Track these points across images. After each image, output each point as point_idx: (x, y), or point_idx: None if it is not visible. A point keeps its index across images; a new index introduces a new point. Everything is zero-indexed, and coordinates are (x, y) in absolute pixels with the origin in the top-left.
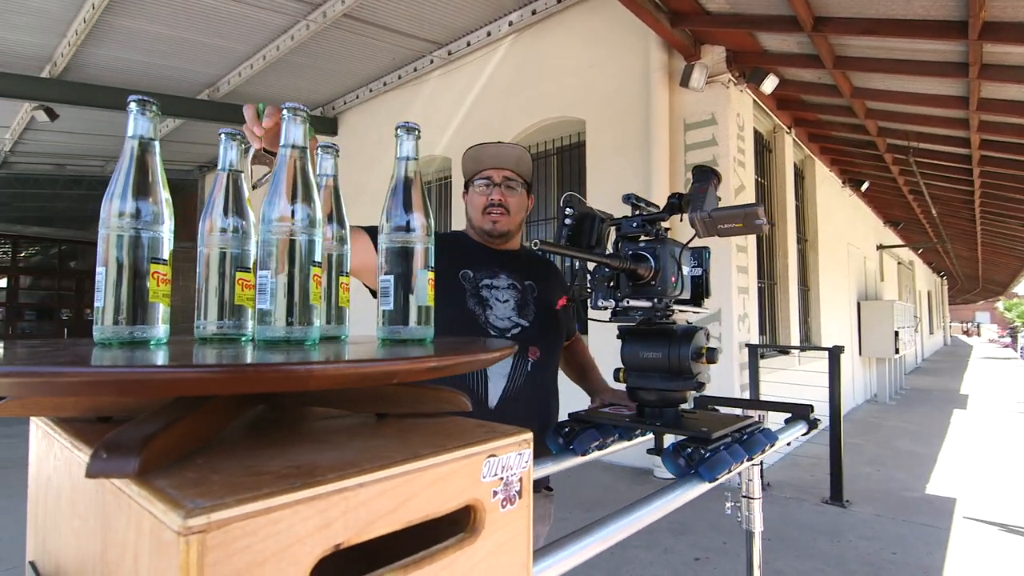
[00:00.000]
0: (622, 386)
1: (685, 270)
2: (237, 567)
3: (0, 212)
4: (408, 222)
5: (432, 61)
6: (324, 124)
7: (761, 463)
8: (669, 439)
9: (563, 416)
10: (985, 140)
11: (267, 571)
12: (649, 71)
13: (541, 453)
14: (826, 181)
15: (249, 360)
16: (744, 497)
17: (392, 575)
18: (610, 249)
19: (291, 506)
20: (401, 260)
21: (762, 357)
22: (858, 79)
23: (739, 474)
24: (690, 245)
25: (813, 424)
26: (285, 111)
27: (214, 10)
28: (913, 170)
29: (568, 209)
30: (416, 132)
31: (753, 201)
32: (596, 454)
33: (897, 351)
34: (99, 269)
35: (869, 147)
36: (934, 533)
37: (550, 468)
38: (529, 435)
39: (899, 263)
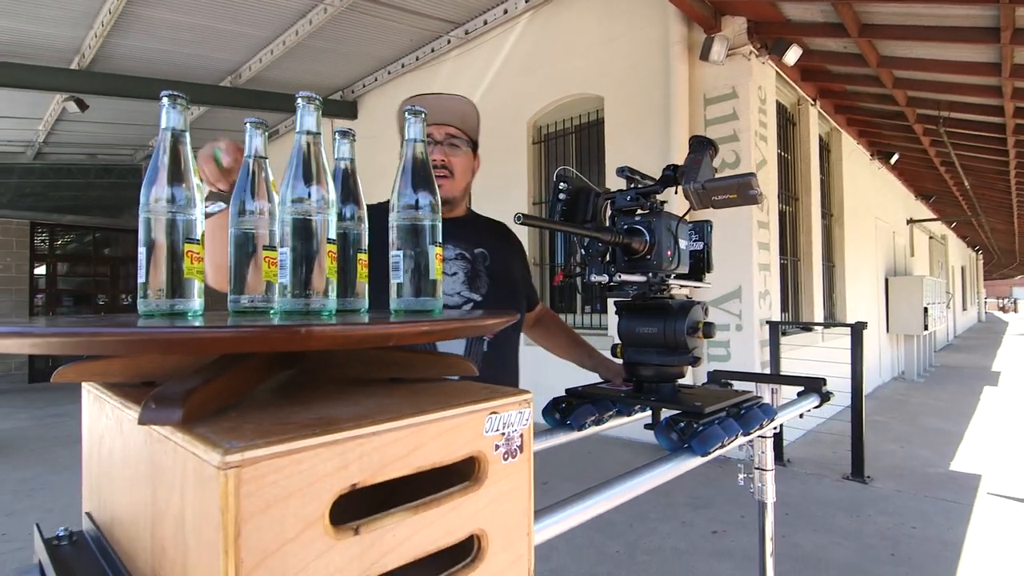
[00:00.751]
0: (620, 361)
1: (683, 244)
2: (267, 498)
3: (37, 202)
4: (416, 200)
5: (449, 41)
6: (344, 108)
7: (779, 434)
8: (667, 415)
9: (558, 391)
10: (1020, 108)
11: (292, 503)
12: (668, 45)
13: None
14: (853, 154)
15: (245, 323)
16: (757, 469)
17: (404, 514)
18: (607, 224)
19: (313, 449)
20: (411, 236)
21: (784, 334)
22: (885, 47)
23: (751, 445)
24: (692, 218)
25: (825, 397)
26: (300, 99)
27: None
28: (944, 141)
29: (562, 184)
30: (423, 115)
31: (748, 171)
32: (593, 429)
33: (926, 327)
34: (140, 249)
35: (898, 118)
36: (956, 508)
37: (546, 443)
38: (530, 395)
39: (931, 237)
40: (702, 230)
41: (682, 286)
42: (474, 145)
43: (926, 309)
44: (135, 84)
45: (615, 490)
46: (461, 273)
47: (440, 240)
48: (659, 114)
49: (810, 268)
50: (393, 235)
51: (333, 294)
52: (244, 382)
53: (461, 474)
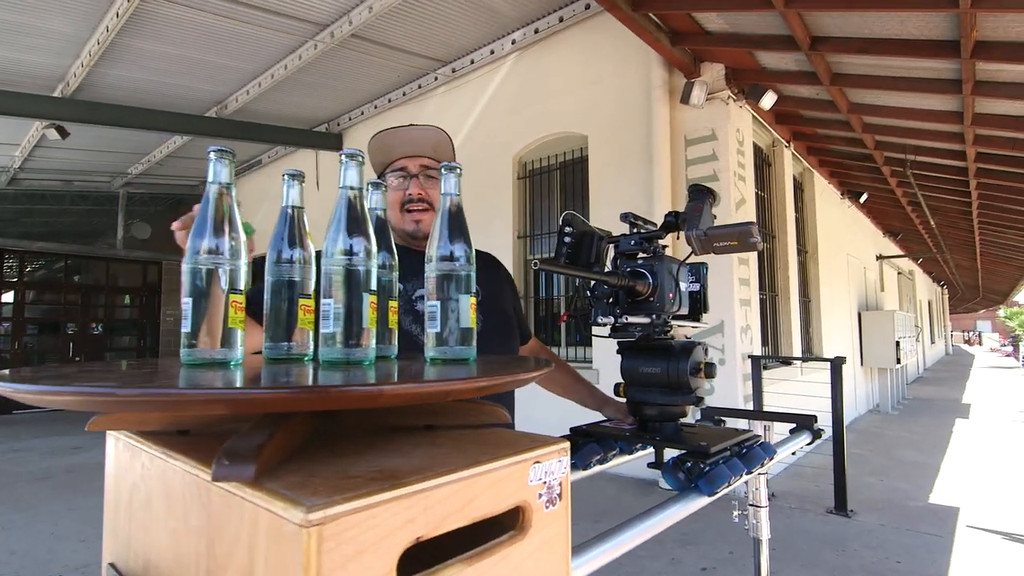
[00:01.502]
0: (622, 400)
1: (683, 286)
2: (345, 554)
3: (7, 228)
4: (452, 252)
5: (436, 78)
6: (329, 140)
7: (766, 472)
8: (670, 453)
9: (563, 430)
10: (981, 153)
11: (367, 559)
12: (650, 88)
13: None
14: (825, 193)
15: (323, 381)
16: (751, 506)
17: (461, 565)
18: (609, 266)
19: (385, 503)
20: (446, 287)
21: (765, 368)
22: (855, 95)
23: (746, 483)
24: (687, 261)
25: (817, 434)
26: (344, 156)
27: (226, 31)
28: (911, 182)
29: (567, 228)
30: (458, 171)
31: (749, 220)
32: (597, 468)
33: (898, 361)
34: (185, 299)
35: (867, 160)
36: (937, 542)
37: None
38: (567, 444)
39: (899, 273)
40: (698, 272)
41: (680, 326)
42: None
43: (898, 343)
44: (119, 113)
45: (631, 532)
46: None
47: (473, 290)
48: (642, 154)
49: (788, 303)
50: (430, 285)
51: (373, 343)
52: (298, 435)
53: (495, 522)
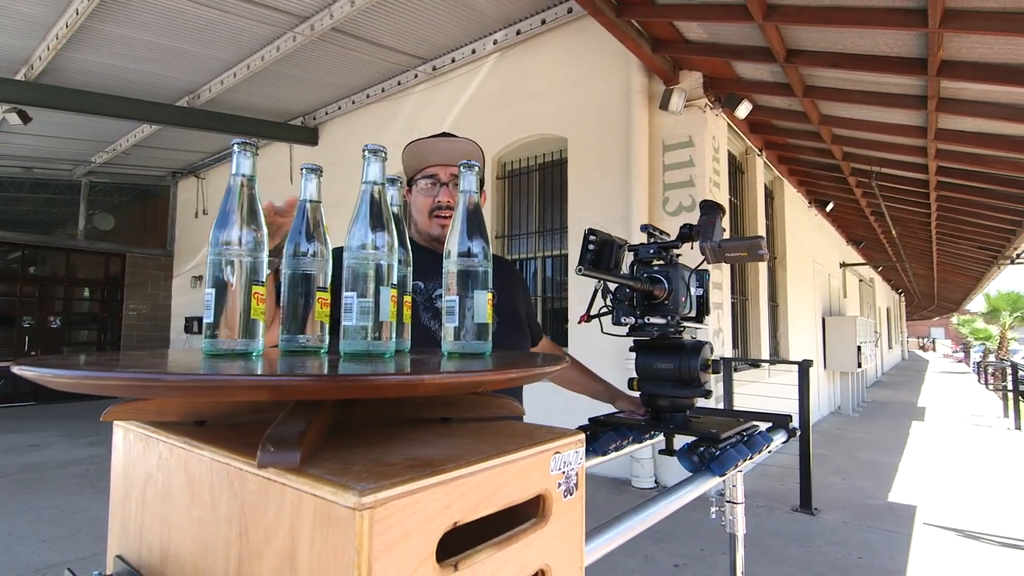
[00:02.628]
0: (635, 393)
1: (692, 291)
2: (393, 537)
3: None
4: (469, 248)
5: (416, 76)
6: (304, 134)
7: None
8: (679, 440)
9: (579, 420)
10: (941, 167)
11: (411, 542)
12: (630, 93)
13: None
14: (794, 201)
15: (354, 372)
16: (728, 502)
17: (491, 550)
18: (626, 271)
19: (426, 489)
20: (466, 282)
21: (735, 370)
22: (825, 107)
23: (723, 480)
24: (693, 269)
25: (792, 433)
26: (367, 151)
27: (202, 19)
28: (875, 193)
29: (592, 236)
30: (476, 168)
31: (759, 234)
32: (614, 454)
33: (859, 365)
34: (208, 290)
35: (834, 170)
36: (897, 539)
37: None
38: (583, 436)
39: (860, 280)
40: (702, 278)
41: (686, 327)
42: (480, 183)
43: (859, 347)
44: (85, 99)
45: (652, 510)
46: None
47: (490, 286)
48: (620, 158)
49: (757, 307)
50: (448, 280)
51: (394, 336)
52: (326, 425)
53: (513, 511)
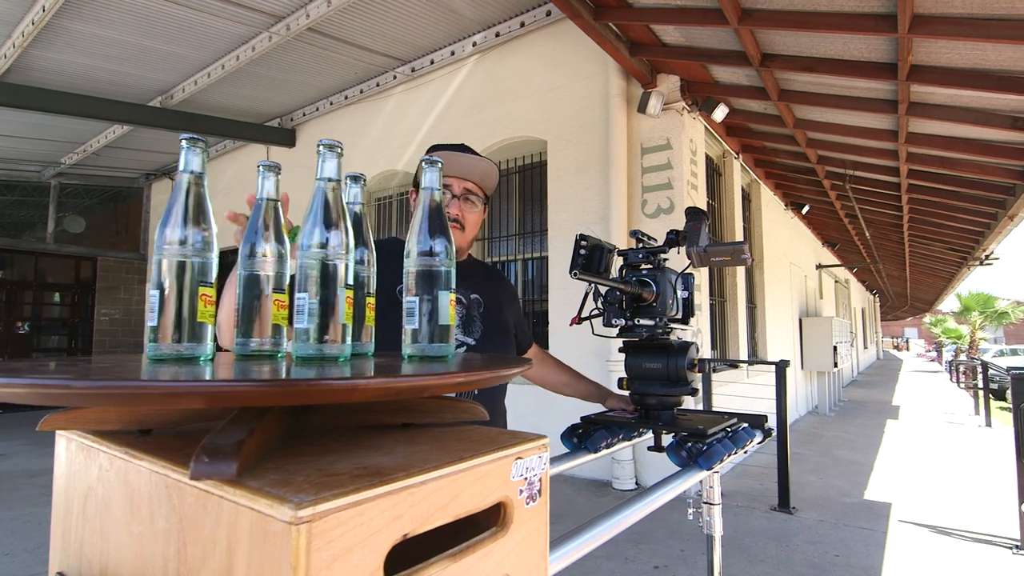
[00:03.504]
0: (625, 392)
1: (679, 293)
2: (334, 552)
3: None
4: (431, 247)
5: (395, 77)
6: (282, 135)
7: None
8: (668, 438)
9: (573, 421)
10: (912, 170)
11: (355, 557)
12: (608, 96)
13: None
14: (770, 204)
15: (296, 376)
16: (705, 503)
17: (446, 562)
18: (615, 274)
19: (372, 500)
20: (426, 282)
21: (713, 371)
22: (800, 111)
23: (700, 482)
24: (679, 273)
25: (768, 433)
26: (322, 147)
27: (172, 17)
28: (849, 195)
29: (584, 242)
30: (439, 165)
31: (741, 240)
32: (604, 452)
33: (836, 365)
34: (152, 291)
35: (809, 173)
36: (873, 536)
37: (566, 464)
38: (547, 440)
39: (836, 281)
40: (687, 281)
41: (673, 328)
42: (486, 199)
43: (835, 347)
44: (53, 98)
45: (634, 508)
46: (456, 317)
47: (453, 286)
48: (599, 160)
49: (735, 309)
50: (409, 280)
51: (349, 339)
52: (273, 433)
53: (474, 519)
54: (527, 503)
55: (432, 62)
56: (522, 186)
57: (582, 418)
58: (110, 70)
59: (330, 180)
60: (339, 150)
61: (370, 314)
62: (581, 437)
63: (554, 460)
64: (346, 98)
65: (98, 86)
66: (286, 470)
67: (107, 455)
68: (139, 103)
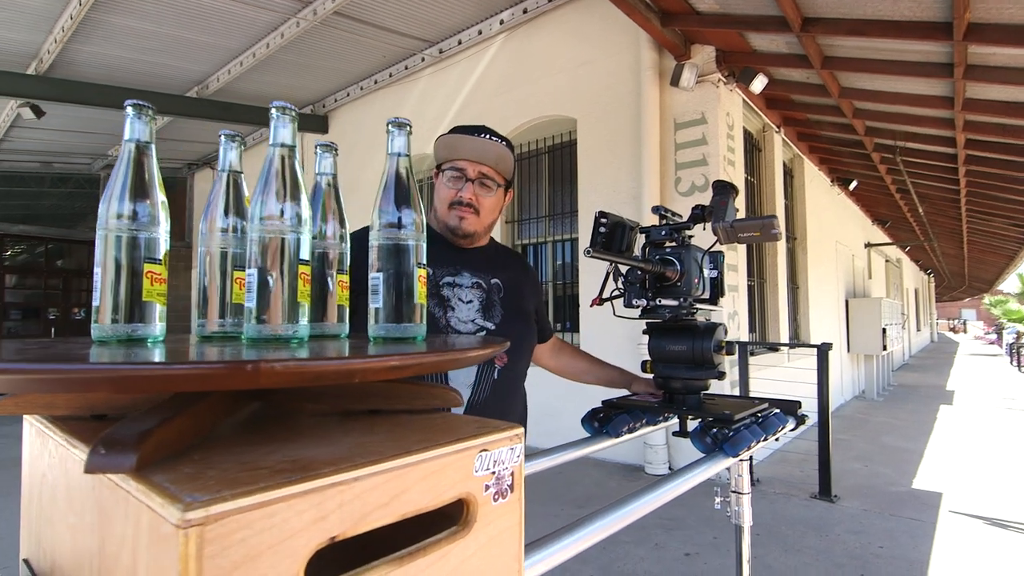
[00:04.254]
0: (650, 376)
1: (706, 272)
2: (234, 559)
3: None
4: (400, 219)
5: (423, 59)
6: (314, 122)
7: (751, 458)
8: (693, 422)
9: (586, 406)
10: (970, 140)
11: (263, 563)
12: (640, 70)
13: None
14: (815, 180)
15: (197, 359)
16: (734, 492)
17: (387, 567)
18: (638, 253)
19: (287, 499)
20: (392, 257)
21: (752, 354)
22: (846, 79)
23: (728, 469)
24: (706, 251)
25: (801, 420)
26: (274, 109)
27: (203, 7)
28: (900, 169)
29: (603, 219)
30: (408, 128)
31: (771, 214)
32: (627, 437)
33: (884, 348)
34: (96, 269)
35: (857, 146)
36: (920, 527)
37: (586, 449)
38: (520, 430)
39: (887, 261)
40: (716, 260)
41: (700, 309)
42: (507, 184)
43: (884, 330)
44: (95, 91)
45: (660, 491)
46: (476, 301)
47: (424, 262)
48: (630, 137)
49: (776, 290)
50: (373, 256)
51: (305, 320)
52: (206, 419)
53: (448, 514)
54: (495, 499)
55: (460, 42)
56: (551, 166)
57: (603, 402)
58: (147, 62)
59: (283, 145)
60: (293, 114)
61: (343, 293)
62: (602, 421)
63: (573, 444)
64: (376, 83)
65: (137, 78)
66: (208, 463)
67: (55, 441)
68: (176, 94)
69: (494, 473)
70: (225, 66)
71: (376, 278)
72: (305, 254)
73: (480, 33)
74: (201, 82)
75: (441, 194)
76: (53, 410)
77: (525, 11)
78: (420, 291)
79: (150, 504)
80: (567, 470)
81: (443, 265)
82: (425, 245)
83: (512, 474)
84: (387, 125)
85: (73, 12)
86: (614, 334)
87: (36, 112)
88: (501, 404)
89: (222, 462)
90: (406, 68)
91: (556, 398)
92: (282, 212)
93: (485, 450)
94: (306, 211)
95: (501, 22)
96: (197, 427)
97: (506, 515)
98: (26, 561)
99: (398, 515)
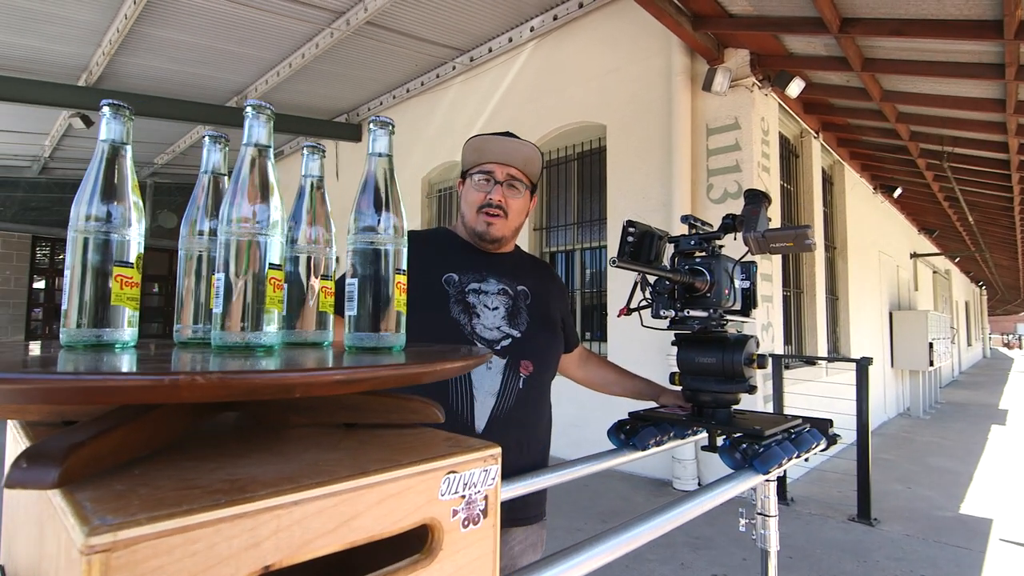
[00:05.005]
0: (678, 388)
1: (736, 283)
2: None
3: (40, 216)
4: (378, 222)
5: (454, 68)
6: (348, 130)
7: (784, 476)
8: (722, 437)
9: (612, 417)
10: None
11: None
12: (671, 75)
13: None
14: (856, 187)
15: (136, 370)
16: (759, 515)
17: None
18: (666, 263)
19: (212, 524)
20: (369, 262)
21: (787, 368)
22: (888, 82)
23: (754, 490)
24: (737, 261)
25: (832, 440)
26: (249, 108)
27: (241, 19)
28: (948, 176)
29: (631, 228)
30: (390, 127)
31: (806, 224)
32: (654, 450)
33: (931, 363)
34: (65, 272)
35: (901, 152)
36: (968, 556)
37: (612, 461)
38: (497, 450)
39: (934, 272)
40: (748, 270)
41: (730, 321)
42: (533, 187)
43: (931, 344)
44: (141, 102)
45: (685, 508)
46: (502, 308)
47: (404, 267)
48: (661, 143)
49: (813, 301)
50: (349, 260)
51: (274, 327)
52: (156, 432)
53: (419, 536)
54: (465, 525)
55: (490, 50)
56: (580, 174)
57: (630, 413)
58: (189, 73)
59: (256, 145)
60: (268, 112)
61: (324, 300)
62: (628, 433)
63: (597, 457)
64: (408, 91)
65: (180, 89)
66: (146, 479)
67: (22, 447)
68: (217, 104)
69: (464, 497)
70: (263, 76)
71: (352, 284)
72: (275, 258)
73: (510, 41)
74: (240, 92)
75: (469, 198)
76: (25, 415)
77: (555, 18)
78: (399, 298)
79: (66, 524)
80: (592, 483)
81: (469, 271)
82: (405, 251)
83: (486, 498)
84: (368, 124)
85: (120, 26)
86: (643, 344)
87: (86, 122)
88: (526, 414)
89: (161, 479)
90: (437, 76)
91: (581, 408)
92: (251, 214)
93: (453, 471)
94: (276, 213)
95: (531, 29)
96: (146, 439)
97: (477, 543)
98: (2, 567)
99: (346, 543)
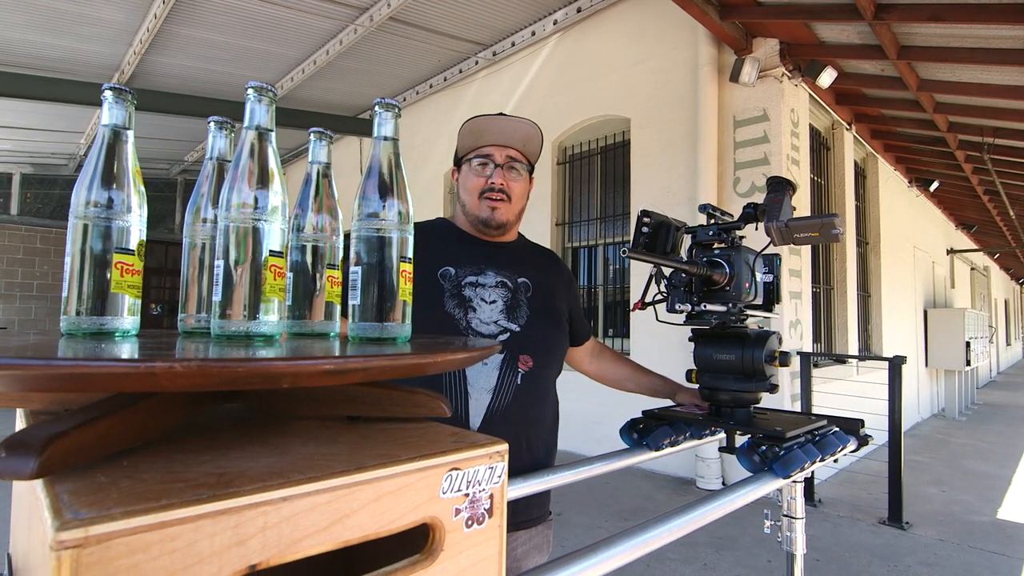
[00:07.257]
0: (695, 386)
1: (758, 276)
2: None
3: None
4: (383, 208)
5: (477, 62)
6: (371, 126)
7: (812, 477)
8: (741, 438)
9: (625, 416)
10: None
11: None
12: (697, 66)
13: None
14: (890, 180)
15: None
16: (786, 516)
17: None
18: (684, 255)
19: (193, 520)
20: (373, 250)
21: (816, 366)
22: (925, 70)
23: (780, 491)
24: (758, 253)
25: (863, 440)
26: (251, 90)
27: (267, 17)
28: (988, 168)
29: (646, 218)
30: (396, 110)
31: (832, 212)
32: (668, 450)
33: (968, 363)
34: (66, 259)
35: (938, 144)
36: (1005, 563)
37: (624, 461)
38: (504, 447)
39: (972, 269)
40: (771, 263)
41: (752, 316)
42: (531, 168)
43: (968, 343)
44: (171, 100)
45: (701, 511)
46: (500, 301)
47: (410, 256)
48: (687, 136)
49: (844, 297)
50: (353, 248)
51: (274, 316)
52: (146, 422)
53: (425, 536)
54: (468, 525)
55: (513, 44)
56: (603, 168)
57: (644, 412)
58: (217, 71)
59: (258, 128)
60: (271, 95)
61: (331, 289)
62: (641, 433)
63: (606, 457)
64: (431, 87)
65: (208, 87)
66: (132, 470)
67: None
68: (244, 101)
69: (467, 495)
70: (288, 74)
71: (355, 272)
72: (276, 245)
73: (534, 34)
74: None
75: (468, 184)
76: (28, 404)
77: (579, 10)
78: (404, 287)
79: (44, 516)
80: (613, 480)
81: (466, 264)
82: (411, 238)
83: (491, 497)
84: (374, 107)
85: (150, 25)
86: (667, 339)
87: None
88: (525, 411)
89: (147, 471)
90: (460, 71)
91: (602, 405)
92: (251, 199)
93: (456, 468)
94: (276, 198)
95: (555, 22)
96: (137, 429)
97: (482, 543)
98: (9, 556)
99: (339, 541)
